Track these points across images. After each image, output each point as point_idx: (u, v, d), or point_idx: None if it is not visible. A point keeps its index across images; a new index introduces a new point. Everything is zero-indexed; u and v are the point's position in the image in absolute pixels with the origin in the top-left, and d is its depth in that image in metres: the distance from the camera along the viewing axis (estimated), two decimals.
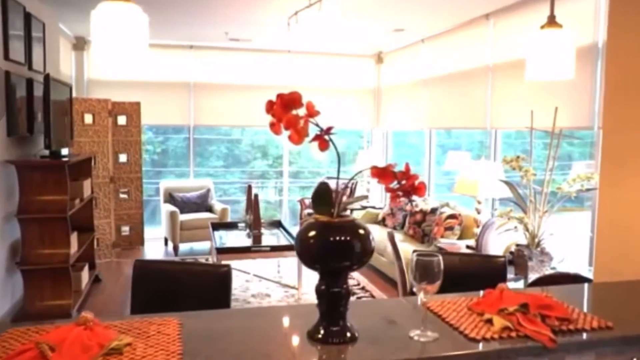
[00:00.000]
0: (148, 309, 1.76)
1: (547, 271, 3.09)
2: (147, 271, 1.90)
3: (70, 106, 5.25)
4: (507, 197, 3.91)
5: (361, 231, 1.35)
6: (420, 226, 5.63)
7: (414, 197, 1.45)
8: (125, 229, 6.96)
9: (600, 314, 1.53)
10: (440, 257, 1.39)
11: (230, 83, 7.71)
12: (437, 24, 6.09)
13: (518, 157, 3.09)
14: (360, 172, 1.47)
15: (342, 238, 1.32)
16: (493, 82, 5.34)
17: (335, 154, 1.42)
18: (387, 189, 1.42)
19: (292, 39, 7.15)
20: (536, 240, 3.15)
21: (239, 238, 5.23)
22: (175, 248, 6.78)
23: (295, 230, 7.91)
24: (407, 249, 5.29)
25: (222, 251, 4.64)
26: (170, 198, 7.17)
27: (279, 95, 1.43)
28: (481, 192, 4.38)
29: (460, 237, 5.12)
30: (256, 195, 4.94)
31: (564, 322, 1.46)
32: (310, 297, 5.05)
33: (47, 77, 4.30)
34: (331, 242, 1.31)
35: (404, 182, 1.41)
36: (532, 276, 3.12)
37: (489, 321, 1.47)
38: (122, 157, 6.84)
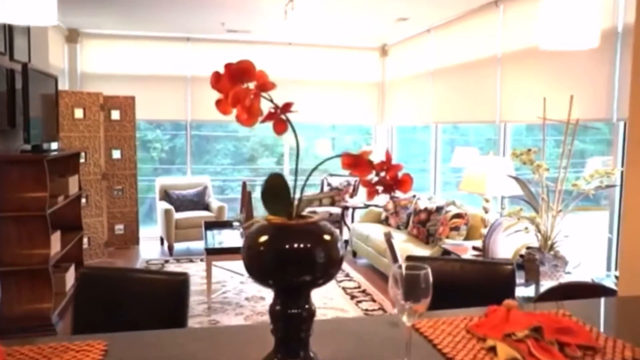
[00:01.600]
0: (91, 328, 1.50)
1: (562, 277, 2.78)
2: (92, 282, 1.62)
3: (56, 99, 5.00)
4: (517, 195, 3.59)
5: (327, 236, 1.05)
6: (425, 226, 5.32)
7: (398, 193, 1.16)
8: (120, 228, 6.72)
9: (634, 340, 1.22)
10: (429, 270, 1.09)
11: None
12: (443, 12, 5.77)
13: (529, 150, 2.78)
14: (325, 160, 1.17)
15: (302, 245, 1.02)
16: (503, 73, 5.01)
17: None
18: (364, 183, 1.13)
19: (292, 30, 6.86)
20: (549, 242, 2.84)
21: (232, 238, 4.95)
22: (170, 247, 6.53)
23: None
24: (411, 249, 5.00)
25: (212, 252, 4.37)
26: (165, 195, 6.91)
27: (227, 65, 1.14)
28: (489, 190, 4.06)
29: (467, 238, 4.81)
30: (249, 193, 4.66)
31: (587, 352, 1.16)
32: None
33: (25, 67, 4.05)
34: (287, 251, 1.02)
35: (383, 174, 1.12)
36: (545, 282, 2.81)
37: (492, 349, 1.17)
38: (116, 153, 6.59)
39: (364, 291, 5.11)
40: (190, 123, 7.54)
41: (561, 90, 4.03)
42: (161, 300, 1.59)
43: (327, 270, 1.05)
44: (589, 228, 4.25)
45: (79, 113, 5.91)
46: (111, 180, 6.57)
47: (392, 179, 1.12)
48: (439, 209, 5.25)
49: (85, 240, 6.04)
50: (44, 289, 4.05)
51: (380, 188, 1.13)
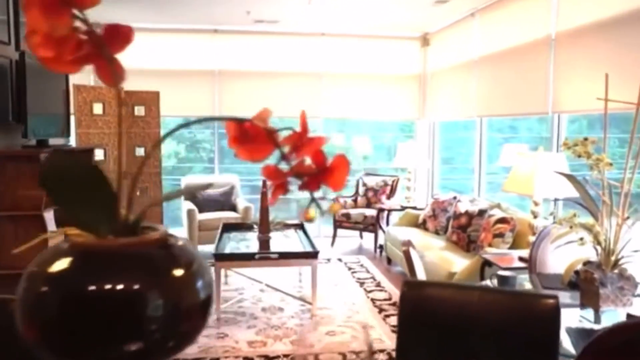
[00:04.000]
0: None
1: (630, 304, 2.17)
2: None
3: (67, 92, 4.74)
4: (573, 197, 2.97)
5: (177, 270, 0.56)
6: (466, 231, 4.71)
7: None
8: None
9: None
10: (367, 331, 0.58)
11: (259, 70, 7.04)
12: None
13: (586, 139, 2.18)
14: (183, 126, 0.69)
15: (122, 286, 0.54)
16: (557, 56, 4.34)
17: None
18: (266, 172, 0.64)
19: (324, 19, 6.40)
20: (612, 258, 2.23)
21: (249, 242, 4.53)
22: None
23: (322, 229, 7.19)
24: (449, 258, 4.41)
25: (220, 258, 3.95)
26: (190, 195, 6.59)
27: None
28: (538, 191, 3.45)
29: (513, 246, 4.18)
30: (264, 193, 4.22)
31: None
32: (328, 313, 4.27)
33: (22, 55, 3.77)
34: (93, 296, 0.54)
35: (294, 156, 0.62)
36: (607, 309, 2.20)
37: None
38: (140, 151, 6.32)
39: (394, 304, 4.56)
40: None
41: (630, 70, 3.35)
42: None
43: (172, 329, 0.56)
44: None
45: (97, 108, 5.66)
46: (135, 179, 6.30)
47: (318, 164, 0.63)
48: (481, 213, 4.63)
49: None
50: None
51: (297, 180, 0.64)
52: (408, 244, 2.40)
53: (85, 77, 6.42)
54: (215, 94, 7.02)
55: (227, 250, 4.29)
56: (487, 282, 2.37)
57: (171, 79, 6.86)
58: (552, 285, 2.66)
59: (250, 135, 0.61)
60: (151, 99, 6.32)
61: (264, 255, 3.96)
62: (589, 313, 2.37)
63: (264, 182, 4.91)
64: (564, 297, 2.62)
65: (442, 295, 1.26)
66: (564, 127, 4.47)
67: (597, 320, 2.23)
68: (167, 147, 8.14)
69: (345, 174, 0.61)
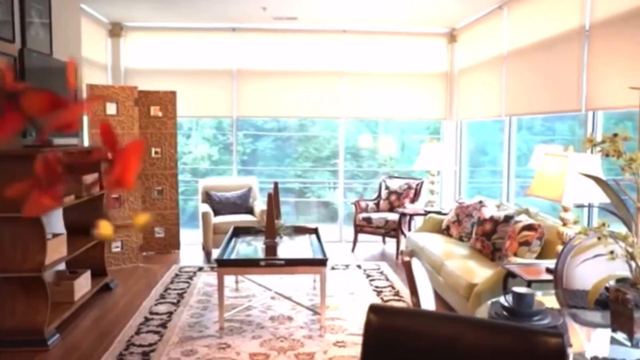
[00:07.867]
0: None
1: None
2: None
3: (74, 91, 4.62)
4: (611, 203, 2.62)
5: None
6: (490, 239, 4.37)
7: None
8: (159, 231, 6.33)
9: None
10: None
11: (279, 69, 6.84)
12: None
13: (615, 135, 1.84)
14: None
15: None
16: (591, 48, 3.96)
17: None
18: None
19: (346, 16, 6.15)
20: None
21: (257, 247, 4.30)
22: (208, 254, 6.03)
23: (344, 233, 6.87)
24: (472, 268, 4.08)
25: (223, 263, 3.73)
26: (207, 197, 6.43)
27: None
28: (567, 195, 3.10)
29: (542, 256, 3.83)
30: (270, 195, 3.98)
31: None
32: (340, 323, 4.00)
33: (21, 52, 3.66)
34: None
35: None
36: None
37: None
38: (155, 152, 6.21)
39: None
40: (237, 120, 7.03)
41: None
42: None
43: None
44: None
45: (111, 109, 5.55)
46: (151, 180, 6.19)
47: (106, 143, 0.39)
48: (507, 219, 4.28)
49: (118, 244, 5.69)
50: (38, 300, 3.62)
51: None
52: (410, 254, 2.12)
53: (99, 76, 6.36)
54: (233, 94, 6.85)
55: (233, 255, 4.07)
56: (502, 300, 2.06)
57: (188, 78, 6.73)
58: (580, 304, 2.32)
59: None
60: (168, 99, 6.20)
61: (268, 262, 3.72)
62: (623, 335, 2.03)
63: (275, 185, 4.68)
64: (594, 316, 2.28)
65: (414, 327, 0.99)
66: (599, 126, 4.08)
67: (633, 345, 1.90)
68: (200, 150, 8.02)
69: (137, 162, 0.36)
